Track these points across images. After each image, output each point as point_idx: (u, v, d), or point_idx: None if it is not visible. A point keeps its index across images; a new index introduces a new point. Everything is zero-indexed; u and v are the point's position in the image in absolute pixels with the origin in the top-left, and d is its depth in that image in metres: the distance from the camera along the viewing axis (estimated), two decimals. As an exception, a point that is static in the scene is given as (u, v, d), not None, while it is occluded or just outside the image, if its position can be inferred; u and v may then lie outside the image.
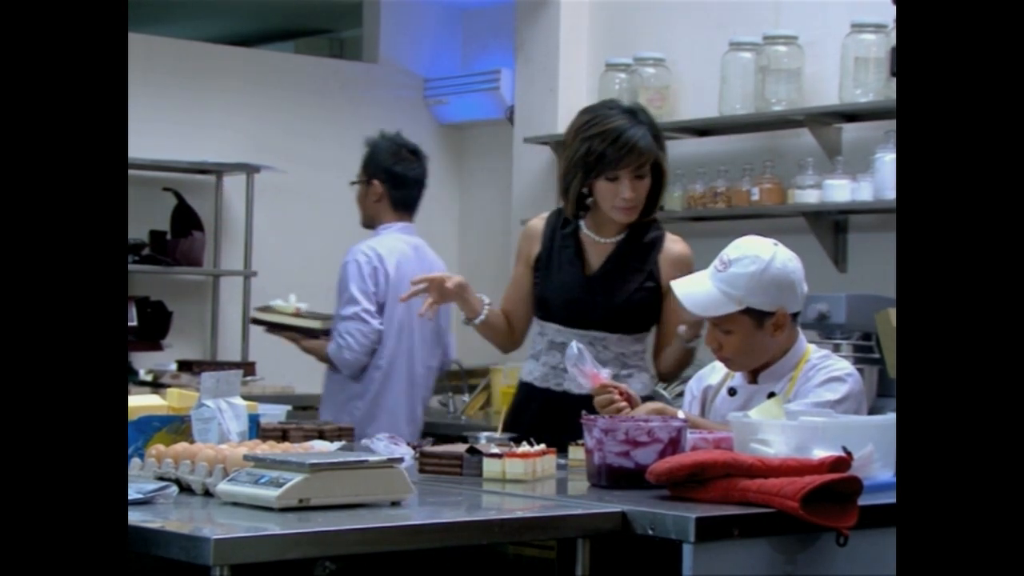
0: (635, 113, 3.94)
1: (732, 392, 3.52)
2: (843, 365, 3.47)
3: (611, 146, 3.86)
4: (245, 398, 3.47)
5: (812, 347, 3.54)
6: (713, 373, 3.62)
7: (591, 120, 3.92)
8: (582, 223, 4.03)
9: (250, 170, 6.91)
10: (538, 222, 4.13)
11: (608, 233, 4.01)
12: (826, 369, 3.44)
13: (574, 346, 3.62)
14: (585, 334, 3.92)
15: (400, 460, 2.93)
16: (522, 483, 3.20)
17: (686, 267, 3.93)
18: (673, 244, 4.04)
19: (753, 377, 3.51)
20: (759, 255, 3.39)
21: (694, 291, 3.46)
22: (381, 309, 5.09)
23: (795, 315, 3.49)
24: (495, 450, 3.29)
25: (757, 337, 3.42)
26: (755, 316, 3.40)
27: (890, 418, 3.25)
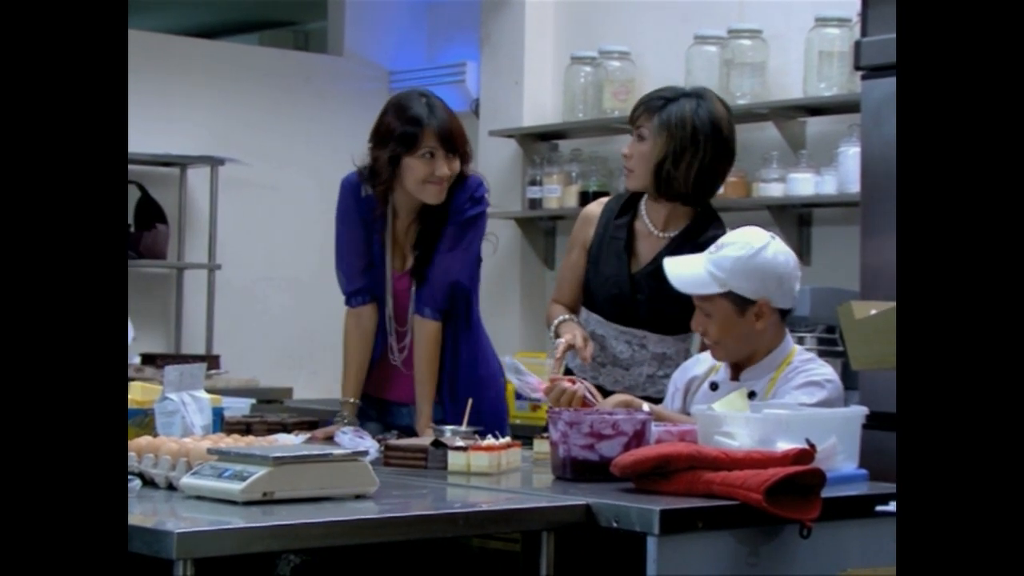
0: (697, 95, 3.80)
1: (714, 387, 3.50)
2: (825, 371, 3.44)
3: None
4: (209, 391, 3.46)
5: (798, 348, 3.52)
6: (698, 365, 3.61)
7: None
8: (643, 212, 3.88)
9: (214, 163, 6.88)
10: (595, 207, 4.00)
11: (665, 227, 3.84)
12: (806, 372, 3.41)
13: (508, 360, 3.60)
14: (625, 330, 3.82)
15: (364, 454, 2.94)
16: (487, 476, 3.20)
17: None
18: None
19: (735, 374, 3.49)
20: (750, 242, 3.39)
21: (682, 269, 3.46)
22: None
23: (784, 314, 3.47)
24: (460, 443, 3.29)
25: (737, 324, 3.40)
26: (736, 302, 3.38)
27: (853, 411, 3.27)
